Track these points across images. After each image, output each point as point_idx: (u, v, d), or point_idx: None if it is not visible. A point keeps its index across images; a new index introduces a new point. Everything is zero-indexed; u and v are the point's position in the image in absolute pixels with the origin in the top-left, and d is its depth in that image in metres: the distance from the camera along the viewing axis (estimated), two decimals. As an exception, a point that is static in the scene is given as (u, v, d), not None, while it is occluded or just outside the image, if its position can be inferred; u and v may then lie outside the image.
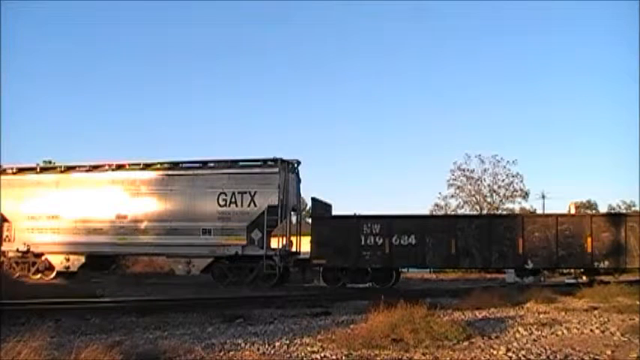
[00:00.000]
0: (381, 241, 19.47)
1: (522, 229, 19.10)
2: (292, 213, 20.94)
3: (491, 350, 5.98)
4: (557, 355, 5.77)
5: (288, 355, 5.75)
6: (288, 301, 12.52)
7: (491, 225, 19.73)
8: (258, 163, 20.52)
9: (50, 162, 26.41)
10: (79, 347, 4.63)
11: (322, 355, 5.73)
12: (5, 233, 22.27)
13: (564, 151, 70.75)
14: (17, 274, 20.76)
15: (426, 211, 38.29)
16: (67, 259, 21.34)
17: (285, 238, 20.27)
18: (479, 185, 42.65)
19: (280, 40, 78.33)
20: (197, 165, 21.41)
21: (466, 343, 6.30)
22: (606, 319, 8.77)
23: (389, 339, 6.14)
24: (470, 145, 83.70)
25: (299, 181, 21.35)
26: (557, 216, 19.67)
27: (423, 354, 5.73)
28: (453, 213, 39.38)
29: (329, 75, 78.00)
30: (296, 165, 21.04)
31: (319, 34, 78.65)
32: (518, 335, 7.10)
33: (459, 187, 42.78)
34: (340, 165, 75.57)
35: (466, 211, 41.08)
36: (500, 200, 42.53)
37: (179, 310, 10.12)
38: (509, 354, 5.80)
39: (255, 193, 19.73)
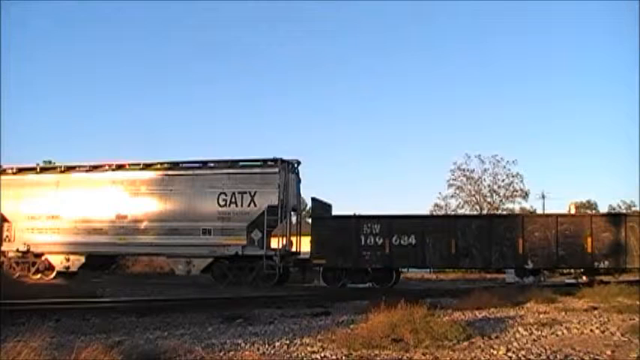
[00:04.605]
0: (381, 241, 19.48)
1: (522, 229, 19.11)
2: (292, 213, 20.94)
3: (491, 350, 5.97)
4: (557, 355, 5.76)
5: (288, 355, 5.74)
6: (288, 301, 12.51)
7: (492, 225, 19.74)
8: (258, 163, 20.54)
9: (50, 162, 26.39)
10: (79, 347, 4.62)
11: (322, 355, 5.71)
12: (5, 233, 22.27)
13: (564, 151, 70.88)
14: (17, 274, 20.78)
15: (426, 211, 38.37)
16: (67, 259, 21.35)
17: (285, 238, 20.25)
18: (479, 185, 42.77)
19: (280, 40, 78.43)
20: (197, 165, 21.42)
21: (466, 343, 6.28)
22: (606, 319, 8.75)
23: (389, 339, 6.12)
24: (470, 145, 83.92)
25: (299, 181, 21.36)
26: (557, 216, 19.69)
27: (423, 354, 5.72)
28: (453, 213, 39.39)
29: (329, 75, 78.12)
30: (296, 165, 21.04)
31: (319, 34, 78.73)
32: (518, 335, 7.09)
33: (459, 187, 42.90)
34: (340, 165, 75.72)
35: (466, 211, 41.17)
36: (500, 200, 42.62)
37: (179, 310, 10.09)
38: (509, 354, 5.78)
39: (255, 193, 19.74)
